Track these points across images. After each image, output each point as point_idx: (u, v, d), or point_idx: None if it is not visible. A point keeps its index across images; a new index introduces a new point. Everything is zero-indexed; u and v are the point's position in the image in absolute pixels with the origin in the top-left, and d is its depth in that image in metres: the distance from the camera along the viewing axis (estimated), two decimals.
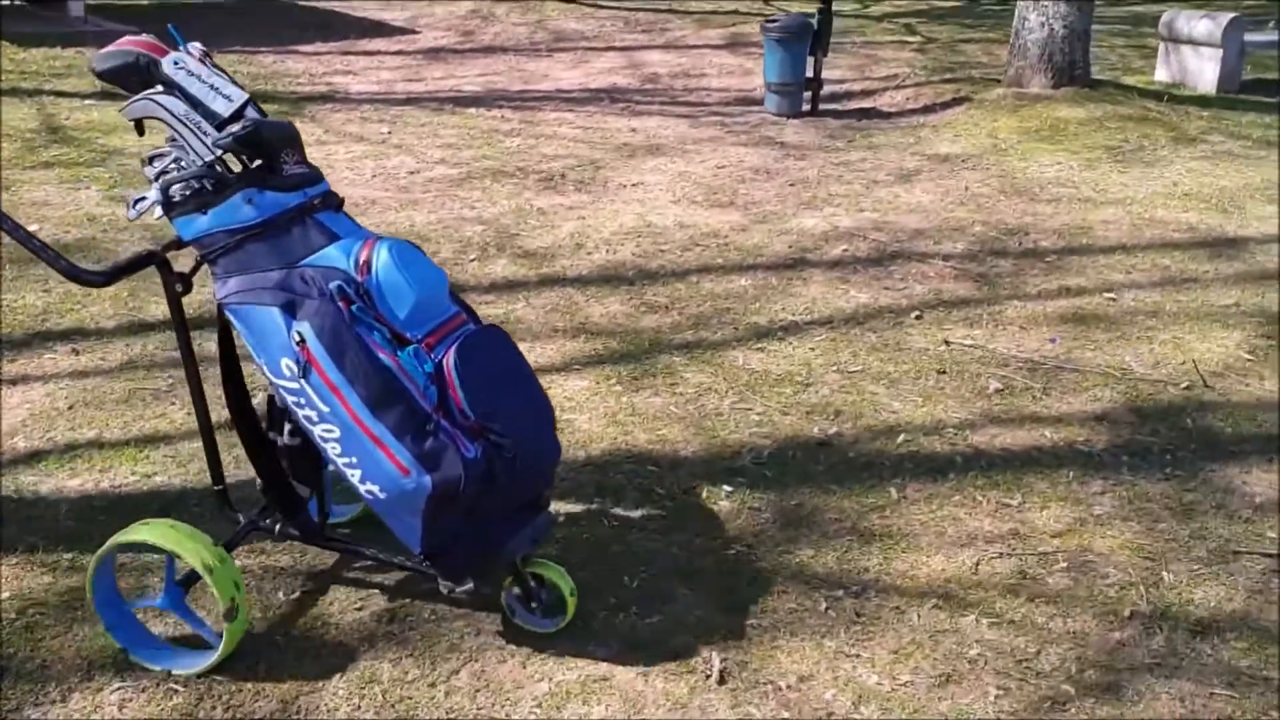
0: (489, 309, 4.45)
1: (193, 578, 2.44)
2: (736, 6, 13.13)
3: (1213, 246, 5.36)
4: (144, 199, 2.32)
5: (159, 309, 4.36)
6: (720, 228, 5.52)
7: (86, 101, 7.65)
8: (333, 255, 2.29)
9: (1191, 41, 9.29)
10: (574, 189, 6.14)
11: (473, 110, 7.94)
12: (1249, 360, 4.12)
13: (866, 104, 8.43)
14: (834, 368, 4.01)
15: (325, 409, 2.22)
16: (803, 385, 3.87)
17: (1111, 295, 4.72)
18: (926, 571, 2.86)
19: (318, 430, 2.25)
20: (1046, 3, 8.09)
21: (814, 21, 7.78)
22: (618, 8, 13.05)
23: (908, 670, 2.50)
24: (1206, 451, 3.47)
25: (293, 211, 2.33)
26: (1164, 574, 2.86)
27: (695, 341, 4.22)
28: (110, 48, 2.37)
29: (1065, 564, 2.90)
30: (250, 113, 2.34)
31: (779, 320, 4.42)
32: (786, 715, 2.36)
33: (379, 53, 10.34)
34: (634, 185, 6.23)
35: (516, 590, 2.52)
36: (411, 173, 6.40)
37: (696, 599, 2.72)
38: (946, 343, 4.24)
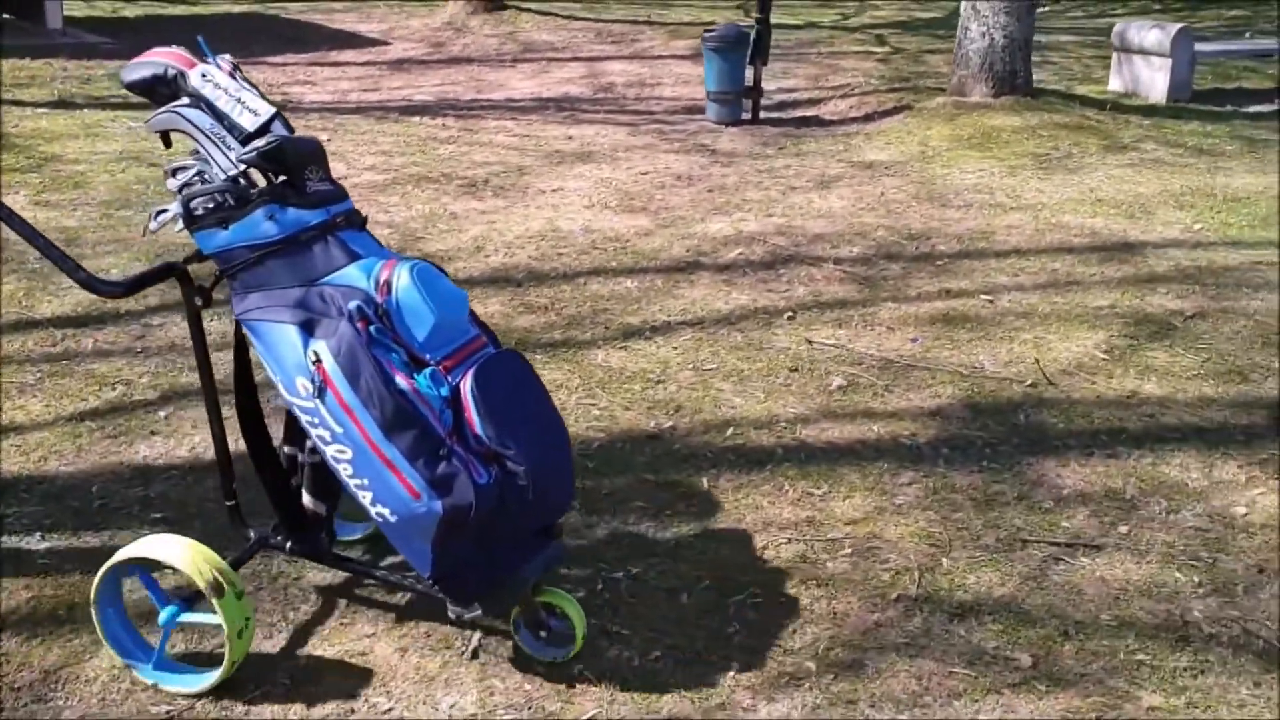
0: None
1: (197, 594, 2.43)
2: (715, 18, 13.25)
3: (1108, 250, 5.42)
4: (165, 211, 2.33)
5: (49, 308, 4.50)
6: (625, 232, 5.62)
7: (39, 110, 7.84)
8: (353, 275, 2.29)
9: (1142, 51, 9.35)
10: (492, 194, 6.26)
11: (417, 119, 8.09)
12: (1103, 359, 4.18)
13: (810, 112, 8.53)
14: (690, 366, 4.10)
15: (339, 430, 2.21)
16: (654, 382, 3.97)
17: (989, 297, 4.79)
18: (712, 556, 2.94)
19: (330, 450, 2.24)
20: (987, 13, 8.17)
21: (752, 31, 7.88)
22: (594, 19, 13.20)
23: (661, 647, 2.59)
24: (1029, 446, 3.54)
25: (314, 229, 2.31)
26: (944, 560, 2.94)
27: (563, 341, 4.32)
28: (139, 59, 2.39)
29: (850, 550, 2.98)
30: (277, 128, 2.34)
31: (652, 321, 4.52)
32: (528, 688, 2.45)
33: (346, 64, 10.52)
34: (553, 191, 6.34)
35: (525, 618, 2.50)
36: (339, 179, 6.51)
37: None
38: (809, 342, 4.32)
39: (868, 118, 8.22)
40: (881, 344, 4.31)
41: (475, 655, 2.53)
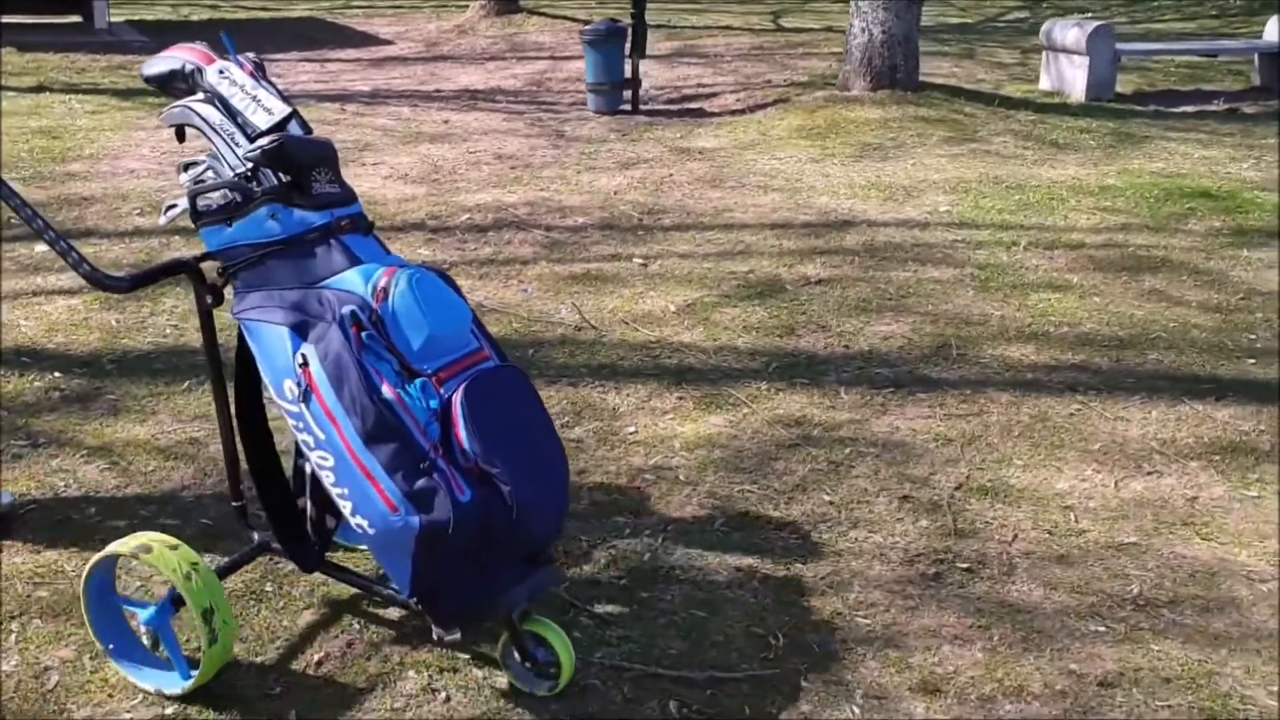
0: (131, 255, 5.32)
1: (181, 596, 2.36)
2: (734, 23, 13.66)
3: (818, 227, 5.71)
4: (175, 206, 2.37)
5: None
6: (390, 198, 6.23)
7: (13, 94, 8.98)
8: (351, 279, 2.27)
9: (1065, 50, 9.35)
10: None
11: (327, 104, 8.87)
12: (673, 312, 4.56)
13: (699, 105, 8.92)
14: None
15: (321, 436, 2.20)
16: None
17: (643, 261, 5.19)
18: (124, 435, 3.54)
19: (314, 456, 2.24)
20: (867, 10, 8.41)
21: (627, 26, 8.35)
22: None
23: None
24: None
25: (317, 231, 2.30)
26: None
27: None
28: (160, 54, 2.45)
29: None
30: (293, 127, 2.34)
31: None
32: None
33: (331, 60, 11.44)
34: (374, 165, 6.99)
35: (511, 645, 2.41)
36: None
37: None
38: None
39: (745, 110, 8.56)
40: (497, 293, 4.79)
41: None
